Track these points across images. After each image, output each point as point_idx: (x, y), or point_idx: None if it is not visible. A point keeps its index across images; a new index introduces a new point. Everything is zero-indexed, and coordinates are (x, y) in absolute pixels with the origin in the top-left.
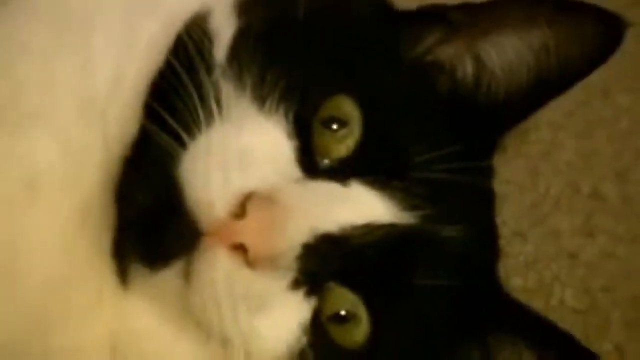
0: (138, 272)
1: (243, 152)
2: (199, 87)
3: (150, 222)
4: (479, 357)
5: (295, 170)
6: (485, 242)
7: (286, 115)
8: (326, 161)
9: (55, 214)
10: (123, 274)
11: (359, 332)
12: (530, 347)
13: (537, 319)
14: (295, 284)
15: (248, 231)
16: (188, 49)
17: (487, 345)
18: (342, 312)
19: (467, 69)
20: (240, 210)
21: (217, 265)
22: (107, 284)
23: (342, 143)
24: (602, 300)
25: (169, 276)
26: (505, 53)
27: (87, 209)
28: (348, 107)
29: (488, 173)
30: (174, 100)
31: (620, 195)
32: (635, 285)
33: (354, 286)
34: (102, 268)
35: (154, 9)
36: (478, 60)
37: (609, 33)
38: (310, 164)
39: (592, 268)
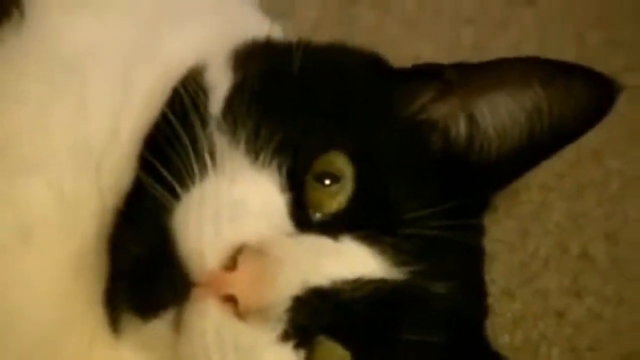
0: (129, 321)
1: (235, 205)
2: (193, 140)
3: (142, 272)
4: None
5: (287, 224)
6: (474, 299)
7: (279, 169)
8: (318, 215)
9: (49, 263)
10: (114, 323)
11: None
12: None
13: None
14: (285, 337)
15: (239, 283)
16: (184, 102)
17: None
18: None
19: (460, 128)
20: (232, 262)
21: (207, 316)
22: (99, 333)
23: (335, 198)
24: (588, 359)
25: (160, 326)
26: (499, 113)
27: (80, 259)
28: (341, 163)
29: (479, 231)
30: (168, 152)
31: (609, 256)
32: (621, 346)
33: (343, 340)
34: (94, 317)
35: (151, 61)
36: (471, 120)
37: (601, 96)
38: (303, 217)
39: (579, 328)
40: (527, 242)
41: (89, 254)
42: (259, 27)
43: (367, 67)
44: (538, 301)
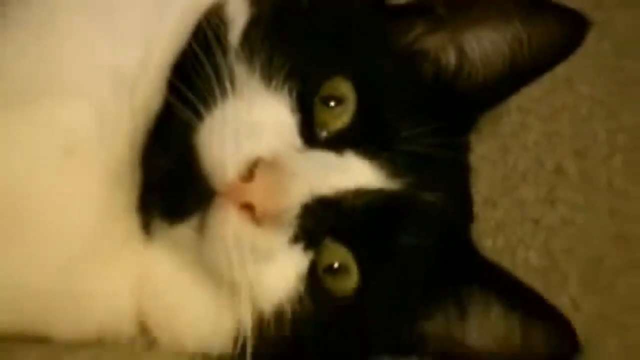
0: (159, 226)
1: (252, 124)
2: (215, 68)
3: (170, 183)
4: (454, 309)
5: (297, 141)
6: (460, 207)
7: (290, 93)
8: (324, 133)
9: (90, 175)
10: (146, 228)
11: (350, 283)
12: (498, 299)
13: (505, 276)
14: (295, 239)
15: (255, 192)
16: (207, 34)
17: (460, 297)
18: (335, 265)
19: (449, 58)
20: (249, 174)
21: (227, 221)
22: (132, 236)
23: (338, 118)
24: (561, 260)
25: (186, 230)
26: (484, 45)
27: (117, 172)
28: (344, 88)
29: (465, 148)
30: (193, 78)
31: (579, 170)
32: (590, 249)
33: (345, 243)
34: (129, 222)
35: (163, 12)
36: (460, 51)
37: (574, 30)
38: (310, 135)
39: (553, 233)
40: (507, 158)
41: (124, 167)
42: None
43: (367, 3)
44: (517, 210)
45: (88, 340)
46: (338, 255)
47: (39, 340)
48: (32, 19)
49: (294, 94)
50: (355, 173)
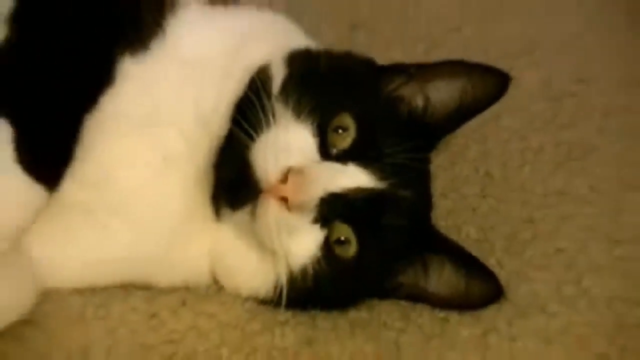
0: (225, 212)
1: (286, 145)
2: (262, 107)
3: (232, 184)
4: (420, 267)
5: (316, 156)
6: (424, 200)
7: (312, 124)
8: (334, 151)
9: (180, 179)
10: (217, 213)
11: (351, 250)
12: (449, 260)
13: (454, 245)
14: (315, 221)
15: (288, 190)
16: (258, 84)
17: (424, 259)
18: (342, 238)
19: (418, 101)
20: (284, 177)
21: (270, 209)
22: (208, 219)
23: (344, 141)
24: (489, 235)
25: (243, 214)
26: (442, 93)
27: (198, 176)
28: (348, 121)
29: (427, 161)
30: (248, 114)
31: (502, 176)
32: (509, 227)
33: (348, 223)
34: (206, 209)
35: (240, 62)
36: (425, 97)
37: (501, 83)
38: (325, 152)
39: (484, 216)
40: (454, 167)
41: (202, 173)
42: (301, 41)
43: (364, 65)
44: (461, 201)
45: (177, 287)
46: (343, 231)
47: (144, 287)
48: (145, 74)
49: (314, 125)
50: (354, 177)
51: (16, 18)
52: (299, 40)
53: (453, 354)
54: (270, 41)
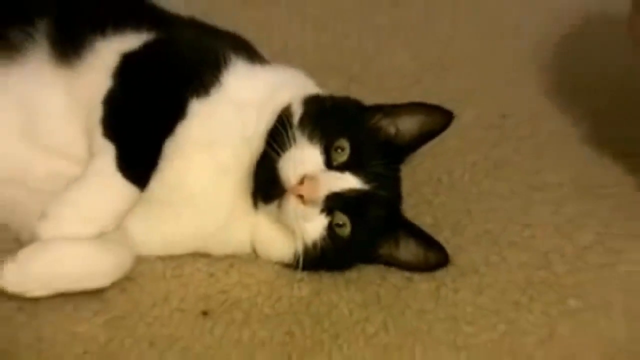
0: (261, 205)
1: (302, 159)
2: (287, 133)
3: (265, 185)
4: (393, 242)
5: (323, 167)
6: (397, 197)
7: (320, 146)
8: (335, 163)
9: (231, 183)
10: (255, 206)
11: (347, 230)
12: (412, 238)
13: (416, 227)
14: (322, 211)
15: (304, 190)
16: (283, 119)
17: (396, 237)
18: (340, 222)
19: (391, 130)
20: (301, 181)
21: (290, 203)
22: (249, 209)
23: (342, 157)
24: (440, 220)
25: (272, 206)
26: (408, 124)
27: (243, 180)
28: (345, 143)
29: (399, 170)
30: (277, 139)
31: (449, 181)
32: (454, 216)
33: (345, 212)
34: (247, 203)
35: (272, 104)
36: (396, 127)
37: (448, 118)
38: (329, 164)
39: (435, 208)
40: (415, 175)
41: (246, 178)
42: (313, 89)
43: (356, 105)
44: (421, 198)
45: (228, 255)
46: (342, 218)
47: (206, 255)
48: (207, 111)
49: (322, 146)
50: (349, 181)
51: (119, 74)
52: (311, 88)
53: (415, 302)
54: (292, 89)
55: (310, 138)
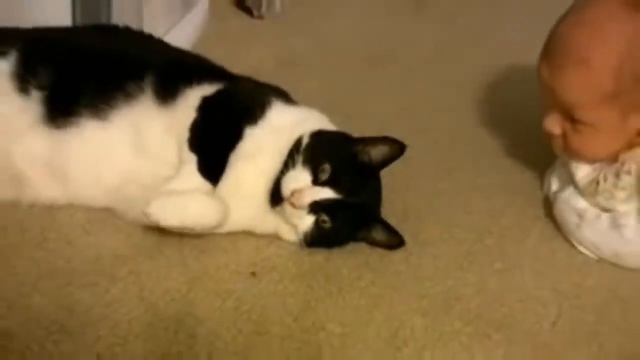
0: (274, 207)
1: (297, 177)
2: (293, 158)
3: (274, 194)
4: (367, 231)
5: (309, 183)
6: (370, 200)
7: (310, 168)
8: (320, 181)
9: (266, 183)
10: (272, 207)
11: (328, 225)
12: (381, 227)
13: (383, 221)
14: (309, 212)
15: (295, 200)
16: (296, 146)
17: (369, 227)
18: (323, 219)
19: (365, 156)
20: (292, 193)
21: (287, 208)
22: (268, 209)
23: (325, 176)
24: (400, 221)
25: (279, 208)
26: (377, 152)
27: (266, 191)
28: (327, 166)
29: (378, 181)
30: (288, 160)
31: (406, 186)
32: (405, 212)
33: (326, 212)
34: (266, 206)
35: (294, 133)
36: (369, 153)
37: (402, 148)
38: (316, 181)
39: (396, 208)
40: (393, 179)
41: (268, 189)
42: (324, 124)
43: (344, 137)
44: (398, 200)
45: (268, 233)
46: (323, 217)
47: (252, 234)
48: (256, 135)
49: (311, 168)
50: (327, 193)
51: (200, 110)
52: (323, 124)
53: (392, 265)
54: (308, 125)
55: (304, 162)
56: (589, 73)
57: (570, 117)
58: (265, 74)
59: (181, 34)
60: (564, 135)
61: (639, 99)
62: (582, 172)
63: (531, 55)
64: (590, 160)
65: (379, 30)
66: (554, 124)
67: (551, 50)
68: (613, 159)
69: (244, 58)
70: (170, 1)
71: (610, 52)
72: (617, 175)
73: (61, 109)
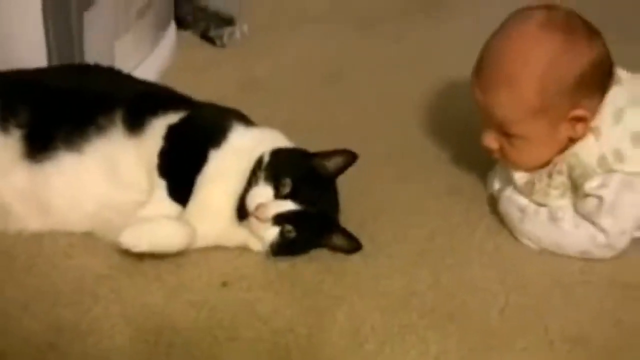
0: (240, 221)
1: (259, 193)
2: (255, 176)
3: (240, 209)
4: (328, 237)
5: (272, 198)
6: (329, 208)
7: (273, 184)
8: (281, 195)
9: (231, 202)
10: (239, 220)
11: (293, 234)
12: (341, 234)
13: (342, 228)
14: (273, 224)
15: (258, 214)
16: (257, 164)
17: (330, 233)
18: (288, 229)
19: (322, 168)
20: (257, 207)
21: (252, 222)
22: (236, 224)
23: (286, 190)
24: (359, 226)
25: (246, 222)
26: (333, 163)
27: (233, 208)
28: (288, 181)
29: (334, 189)
30: (251, 178)
31: (359, 191)
32: (362, 218)
33: (289, 223)
34: (234, 219)
35: (255, 153)
36: (326, 165)
37: (355, 157)
38: (277, 195)
39: (363, 205)
40: (342, 191)
41: (234, 206)
42: (283, 143)
43: (303, 154)
44: (355, 202)
45: (235, 246)
46: (287, 227)
47: (222, 247)
48: (219, 157)
49: (273, 183)
50: (289, 205)
51: (166, 138)
52: (282, 142)
53: (352, 266)
54: (268, 144)
55: (266, 178)
56: (516, 92)
57: (504, 132)
58: (229, 99)
59: (150, 66)
60: (502, 148)
61: (565, 110)
62: (519, 174)
63: (471, 70)
64: (528, 169)
65: (333, 50)
66: (490, 140)
67: (481, 72)
68: (548, 165)
69: (209, 85)
70: (140, 37)
71: (534, 71)
72: (550, 176)
73: (39, 145)
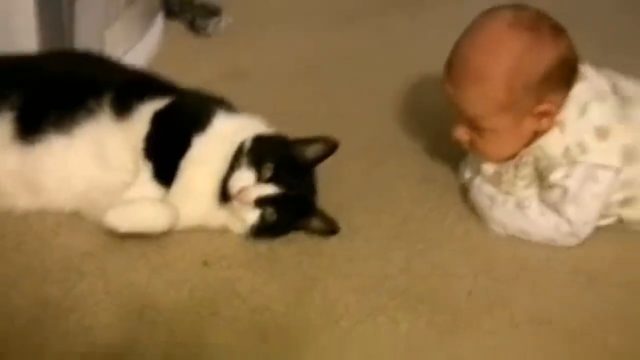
0: (223, 204)
1: (241, 176)
2: (238, 161)
3: (224, 191)
4: (307, 220)
5: (253, 181)
6: (308, 192)
7: (255, 168)
8: (263, 179)
9: (214, 184)
10: (222, 203)
11: (274, 217)
12: (320, 217)
13: (320, 210)
14: (255, 207)
15: (240, 197)
16: (239, 150)
17: (309, 216)
18: (269, 212)
19: (302, 154)
20: (240, 191)
21: (235, 205)
22: (218, 207)
23: (268, 174)
24: (336, 210)
25: (228, 206)
26: (312, 150)
27: (216, 190)
28: (270, 165)
29: (312, 176)
30: (233, 162)
31: (338, 178)
32: (342, 203)
33: (271, 206)
34: (216, 201)
35: (237, 139)
36: (305, 152)
37: (334, 146)
38: (260, 179)
39: (334, 200)
40: (330, 177)
41: (217, 189)
42: (264, 129)
43: (283, 140)
44: (334, 191)
45: (216, 228)
46: (269, 210)
47: (203, 229)
48: (203, 142)
49: (255, 168)
50: (270, 189)
51: (152, 122)
52: (263, 129)
53: (329, 248)
54: (250, 130)
55: (249, 163)
56: (485, 88)
57: (474, 126)
58: (213, 87)
59: (139, 54)
60: (472, 141)
61: (531, 105)
62: (488, 165)
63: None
64: (497, 161)
65: (314, 43)
66: (461, 134)
67: (451, 69)
68: (515, 157)
69: (194, 73)
70: (129, 25)
71: (502, 68)
72: (517, 167)
73: (30, 127)
